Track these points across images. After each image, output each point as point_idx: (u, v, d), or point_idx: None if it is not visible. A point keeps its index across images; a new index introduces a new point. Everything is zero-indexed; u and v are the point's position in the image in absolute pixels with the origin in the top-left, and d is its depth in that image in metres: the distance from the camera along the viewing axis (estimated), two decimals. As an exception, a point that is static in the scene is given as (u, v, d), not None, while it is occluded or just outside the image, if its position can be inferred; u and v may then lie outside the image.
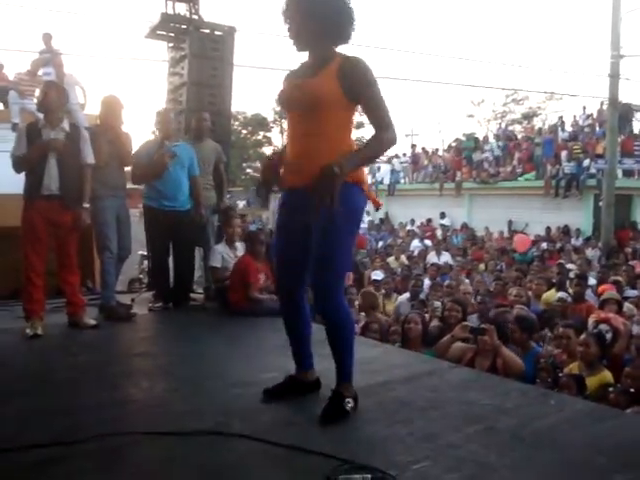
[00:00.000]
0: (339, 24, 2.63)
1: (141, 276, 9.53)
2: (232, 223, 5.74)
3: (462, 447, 2.33)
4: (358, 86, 2.56)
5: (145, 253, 9.90)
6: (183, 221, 5.34)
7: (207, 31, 6.32)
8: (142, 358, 3.93)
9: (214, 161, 5.88)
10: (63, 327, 4.66)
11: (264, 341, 4.21)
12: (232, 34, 6.36)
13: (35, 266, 4.46)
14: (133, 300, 5.72)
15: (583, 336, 4.69)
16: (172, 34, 6.54)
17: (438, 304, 6.43)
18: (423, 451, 2.29)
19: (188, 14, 6.56)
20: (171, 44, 6.64)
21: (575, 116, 20.36)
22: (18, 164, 4.46)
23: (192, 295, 5.83)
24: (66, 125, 4.61)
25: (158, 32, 6.55)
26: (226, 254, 5.60)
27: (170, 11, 6.60)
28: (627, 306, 6.82)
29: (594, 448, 2.35)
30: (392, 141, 2.59)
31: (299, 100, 2.63)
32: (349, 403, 2.66)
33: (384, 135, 2.56)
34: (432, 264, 10.88)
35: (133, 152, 5.30)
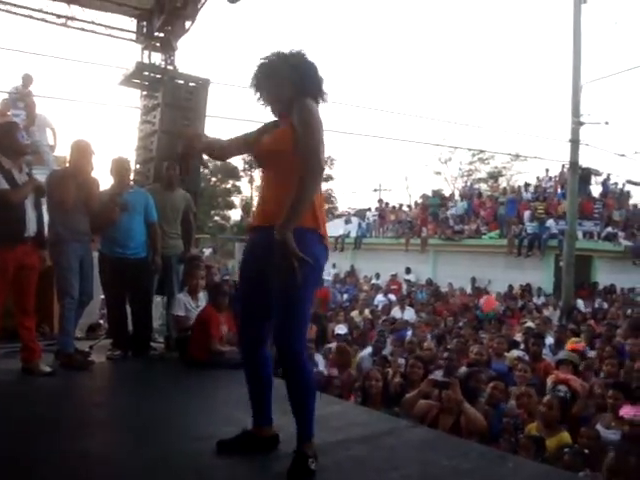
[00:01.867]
0: (308, 89, 2.75)
1: (101, 321, 9.34)
2: (196, 274, 5.71)
3: (419, 509, 2.31)
4: (300, 123, 2.62)
5: (106, 298, 9.81)
6: (136, 269, 5.29)
7: (181, 82, 6.41)
8: (98, 409, 3.84)
9: (183, 210, 5.89)
10: (16, 373, 4.52)
11: (223, 394, 4.15)
12: (206, 86, 6.46)
13: None
14: (91, 347, 5.61)
15: (547, 397, 4.75)
16: (146, 83, 6.61)
17: (402, 361, 6.43)
18: (379, 513, 2.27)
19: (163, 64, 6.67)
20: (144, 92, 6.71)
21: (538, 177, 21.00)
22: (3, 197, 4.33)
23: (152, 344, 5.74)
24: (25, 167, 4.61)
25: (132, 80, 6.62)
26: (189, 303, 5.55)
27: (146, 60, 6.72)
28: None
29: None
30: (320, 168, 2.63)
31: (259, 153, 2.86)
32: (313, 462, 2.63)
33: (309, 177, 2.57)
34: (385, 319, 10.88)
35: None
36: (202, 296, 5.64)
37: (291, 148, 2.63)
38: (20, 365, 4.60)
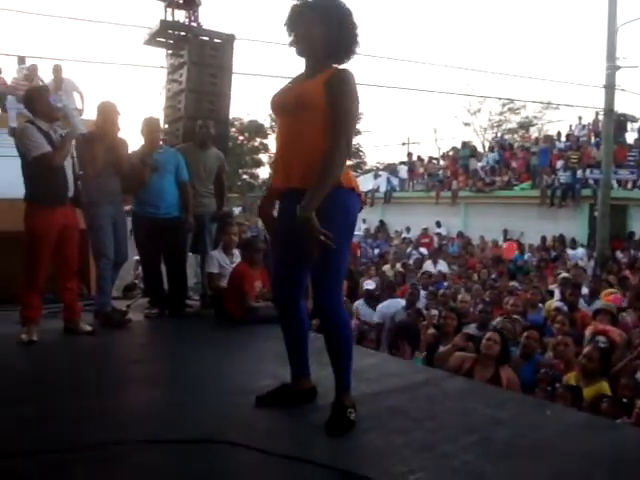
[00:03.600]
0: (342, 42, 2.68)
1: (137, 282, 9.50)
2: (229, 230, 5.74)
3: (458, 457, 2.33)
4: (335, 93, 2.58)
5: (140, 259, 9.96)
6: (169, 228, 5.31)
7: (206, 38, 6.33)
8: (138, 365, 3.93)
9: (216, 169, 5.89)
10: (59, 333, 4.64)
11: (260, 349, 4.21)
12: (231, 42, 6.36)
13: (39, 273, 4.44)
14: (129, 306, 5.72)
15: (587, 349, 4.69)
16: (171, 41, 6.55)
17: (435, 312, 6.44)
18: (419, 461, 2.30)
19: (187, 21, 6.58)
20: (170, 51, 6.65)
21: (571, 126, 20.45)
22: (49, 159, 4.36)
23: (188, 302, 5.83)
24: (59, 129, 4.63)
25: (157, 39, 6.55)
26: (223, 261, 5.60)
27: (169, 18, 6.63)
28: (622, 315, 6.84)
29: (589, 460, 2.36)
30: (340, 161, 2.59)
31: (284, 102, 2.71)
32: (352, 413, 2.66)
33: (333, 153, 2.56)
34: (424, 272, 10.86)
35: None
36: (236, 252, 5.67)
37: (322, 105, 2.59)
38: (61, 325, 4.72)
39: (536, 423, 2.77)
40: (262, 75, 16.70)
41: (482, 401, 3.05)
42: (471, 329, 5.97)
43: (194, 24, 6.36)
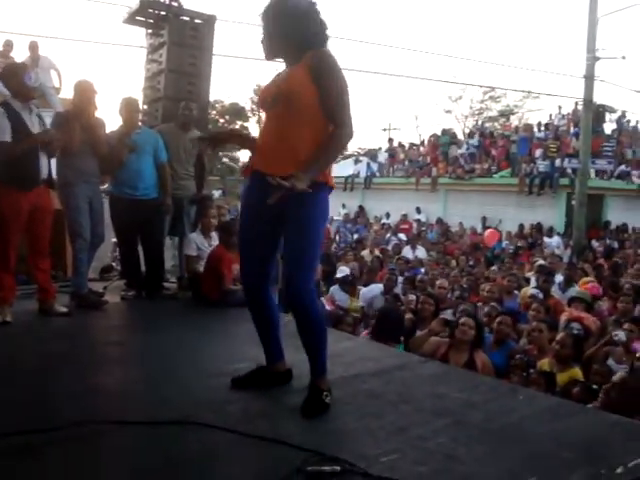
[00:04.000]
0: (310, 35, 2.68)
1: (114, 264, 9.43)
2: (208, 213, 5.71)
3: (431, 440, 2.36)
4: (322, 74, 2.59)
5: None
6: (146, 210, 5.26)
7: (187, 19, 6.24)
8: (114, 346, 3.90)
9: (197, 151, 5.83)
10: (33, 314, 4.59)
11: (236, 331, 4.20)
12: (212, 22, 6.28)
13: (11, 253, 4.36)
14: (105, 288, 5.68)
15: (561, 335, 4.76)
16: (151, 20, 6.43)
17: (413, 297, 6.48)
18: (392, 444, 2.32)
19: (167, 1, 6.47)
20: (150, 30, 6.54)
21: (551, 115, 20.60)
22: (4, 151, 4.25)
23: (165, 284, 5.80)
24: (35, 108, 4.54)
25: (137, 18, 6.43)
26: (201, 243, 5.58)
27: (149, -4, 6.50)
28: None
29: (559, 442, 2.40)
30: (349, 137, 2.64)
31: (275, 94, 2.68)
32: (327, 396, 2.68)
33: (342, 132, 2.61)
34: (399, 258, 10.93)
35: None
36: (214, 235, 5.65)
37: (307, 92, 2.59)
38: (36, 306, 4.66)
39: (509, 407, 2.80)
40: (241, 57, 16.54)
41: (456, 385, 3.08)
42: (448, 315, 6.02)
43: (174, 3, 6.25)
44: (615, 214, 17.18)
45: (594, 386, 4.29)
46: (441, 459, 2.20)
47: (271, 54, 2.79)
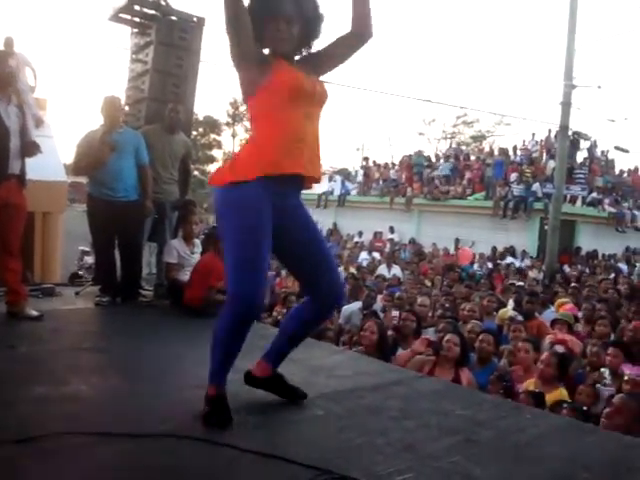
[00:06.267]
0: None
1: (80, 272, 9.17)
2: (190, 219, 5.51)
3: (443, 458, 2.20)
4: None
5: (86, 249, 9.55)
6: (125, 212, 5.05)
7: (175, 19, 6.05)
8: (91, 353, 3.66)
9: (182, 155, 5.64)
10: (2, 317, 4.32)
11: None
12: (201, 25, 6.11)
13: None
14: (78, 293, 5.45)
15: (545, 354, 4.70)
16: (137, 19, 6.23)
17: (396, 313, 6.36)
18: (403, 462, 2.15)
19: (156, -1, 6.27)
20: (135, 29, 6.33)
21: (524, 141, 20.89)
22: None
23: (141, 291, 5.56)
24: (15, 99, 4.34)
25: (122, 16, 6.22)
26: (182, 251, 5.35)
27: (137, -7, 6.29)
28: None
29: (576, 463, 2.27)
30: None
31: (319, 93, 2.57)
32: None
33: None
34: (377, 276, 10.89)
35: (77, 142, 5.12)
36: (197, 242, 5.44)
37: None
38: (4, 309, 4.40)
39: (518, 425, 2.66)
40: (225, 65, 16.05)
41: (459, 402, 2.93)
42: (430, 333, 5.93)
43: (163, 2, 6.06)
44: (586, 240, 17.40)
45: (584, 407, 4.23)
46: (459, 479, 2.04)
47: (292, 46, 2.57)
